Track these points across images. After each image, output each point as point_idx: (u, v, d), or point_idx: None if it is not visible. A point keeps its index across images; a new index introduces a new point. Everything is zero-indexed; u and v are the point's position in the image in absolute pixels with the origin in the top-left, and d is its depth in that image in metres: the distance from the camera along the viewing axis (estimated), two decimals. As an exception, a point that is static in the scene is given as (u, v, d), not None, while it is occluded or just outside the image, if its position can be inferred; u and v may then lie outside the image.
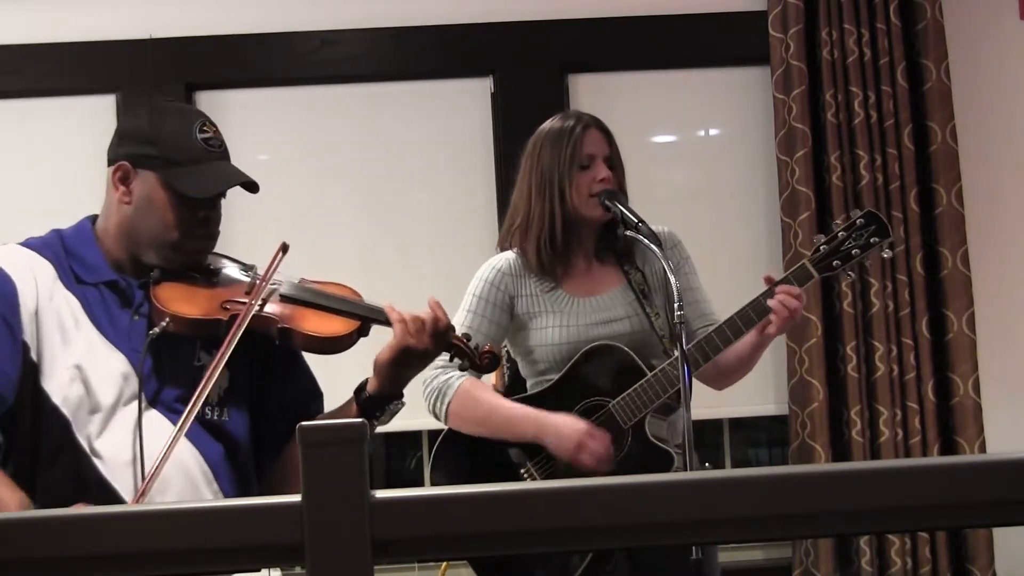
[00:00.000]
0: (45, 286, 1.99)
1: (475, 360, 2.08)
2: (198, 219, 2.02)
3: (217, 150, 2.04)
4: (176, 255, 2.03)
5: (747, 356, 2.60)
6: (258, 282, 2.03)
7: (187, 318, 1.99)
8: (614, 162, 2.63)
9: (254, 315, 1.99)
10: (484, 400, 2.59)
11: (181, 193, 1.99)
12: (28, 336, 1.95)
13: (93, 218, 2.11)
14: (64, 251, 2.04)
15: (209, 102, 3.92)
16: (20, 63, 3.87)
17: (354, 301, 2.08)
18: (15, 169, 3.90)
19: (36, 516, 0.96)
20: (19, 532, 0.90)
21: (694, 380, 2.53)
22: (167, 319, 1.97)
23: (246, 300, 2.00)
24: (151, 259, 2.04)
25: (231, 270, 2.10)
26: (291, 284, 2.08)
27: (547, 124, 2.67)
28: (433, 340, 2.00)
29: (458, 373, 2.59)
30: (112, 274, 2.03)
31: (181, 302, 2.00)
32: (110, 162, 2.06)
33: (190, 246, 2.03)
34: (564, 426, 2.50)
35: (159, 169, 2.00)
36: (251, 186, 2.04)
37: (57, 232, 2.08)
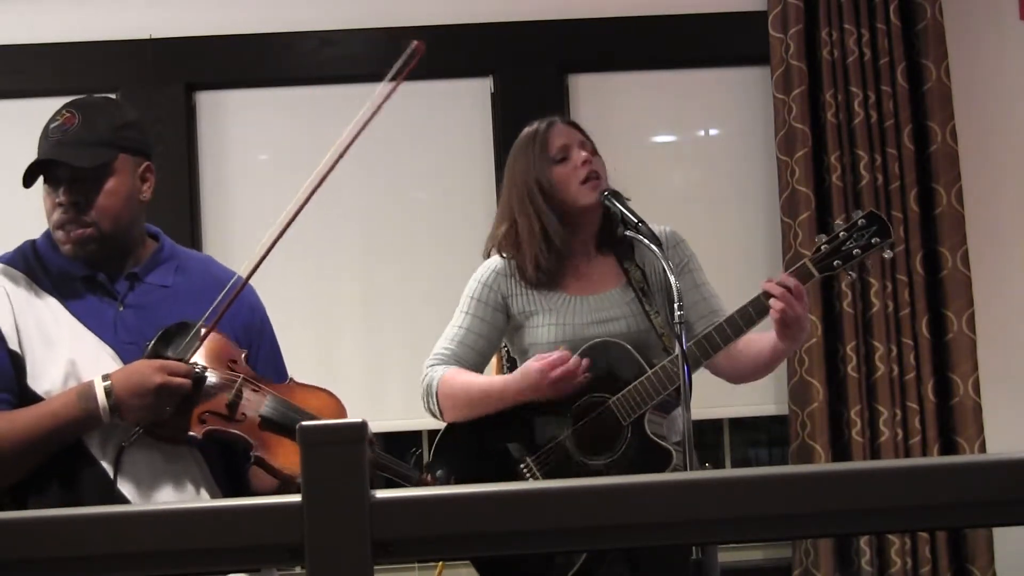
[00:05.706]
0: (19, 298, 2.04)
1: None
2: (55, 205, 2.08)
3: (51, 137, 2.10)
4: (66, 249, 2.08)
5: (765, 362, 2.59)
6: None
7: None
8: (593, 149, 2.62)
9: (228, 430, 2.01)
10: (462, 381, 2.58)
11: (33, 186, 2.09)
12: (12, 344, 2.01)
13: None
14: (37, 258, 2.11)
15: (209, 102, 3.92)
16: (20, 63, 3.87)
17: None
18: (16, 169, 3.89)
19: (36, 516, 0.96)
20: (19, 532, 0.90)
21: (694, 379, 2.53)
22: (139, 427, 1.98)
23: (225, 412, 2.00)
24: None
25: (214, 376, 2.05)
26: (274, 403, 2.05)
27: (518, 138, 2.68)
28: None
29: (441, 367, 2.59)
30: (85, 270, 2.09)
31: None
32: None
33: (61, 236, 2.08)
34: (526, 370, 2.49)
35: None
36: (62, 167, 2.06)
37: (30, 241, 2.16)
